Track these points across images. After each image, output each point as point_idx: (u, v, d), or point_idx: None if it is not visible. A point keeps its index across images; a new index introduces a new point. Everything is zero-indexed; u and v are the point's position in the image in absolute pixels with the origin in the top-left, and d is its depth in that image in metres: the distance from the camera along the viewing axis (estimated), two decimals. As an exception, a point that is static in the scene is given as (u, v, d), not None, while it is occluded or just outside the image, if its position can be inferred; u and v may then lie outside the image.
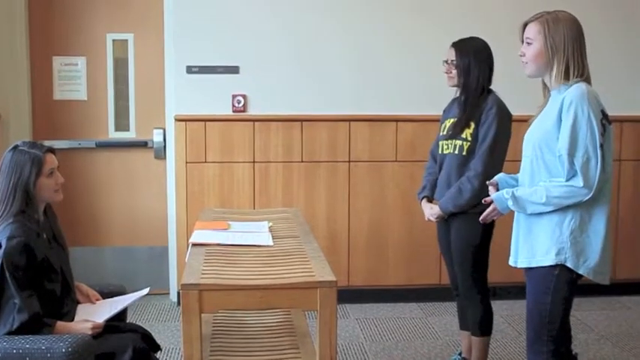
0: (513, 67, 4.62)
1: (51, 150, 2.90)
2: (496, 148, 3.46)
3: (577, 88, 2.62)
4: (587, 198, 2.60)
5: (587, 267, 2.66)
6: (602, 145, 2.58)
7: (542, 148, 2.68)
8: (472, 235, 3.54)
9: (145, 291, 3.13)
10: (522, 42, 2.77)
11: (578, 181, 2.58)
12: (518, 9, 4.93)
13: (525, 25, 2.77)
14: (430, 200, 3.72)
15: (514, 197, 2.71)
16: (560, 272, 2.66)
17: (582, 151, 2.57)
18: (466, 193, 3.47)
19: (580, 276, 2.68)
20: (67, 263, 3.01)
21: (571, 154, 2.58)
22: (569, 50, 2.66)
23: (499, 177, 2.94)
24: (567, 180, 2.61)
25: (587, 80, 2.70)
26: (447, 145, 3.61)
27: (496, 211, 2.84)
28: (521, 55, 2.77)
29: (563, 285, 2.67)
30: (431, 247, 5.00)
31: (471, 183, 3.46)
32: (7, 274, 2.65)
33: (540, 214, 2.68)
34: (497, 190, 2.86)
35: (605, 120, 2.63)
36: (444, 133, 3.65)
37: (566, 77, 2.66)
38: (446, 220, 3.62)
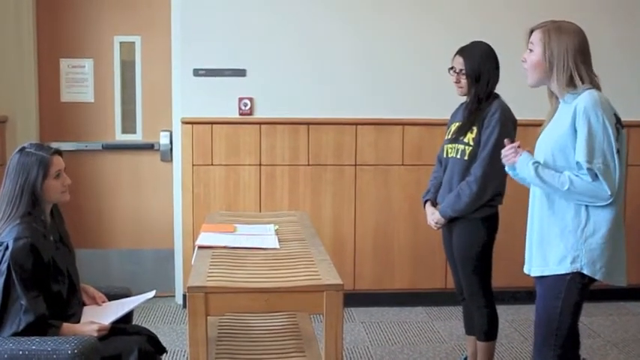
0: (520, 71, 4.64)
1: (58, 152, 2.90)
2: (497, 153, 3.43)
3: (589, 95, 2.61)
4: (607, 202, 2.59)
5: (603, 272, 2.65)
6: (618, 151, 2.58)
7: (556, 155, 2.66)
8: (474, 240, 3.53)
9: (152, 294, 3.13)
10: (527, 48, 2.77)
11: (604, 186, 2.57)
12: (526, 13, 4.97)
13: (532, 31, 2.76)
14: (434, 204, 3.72)
15: (537, 173, 2.66)
16: (572, 278, 2.65)
17: (601, 159, 2.56)
18: (464, 197, 3.46)
19: (592, 281, 2.67)
20: (74, 265, 3.02)
21: (589, 162, 2.57)
22: (569, 62, 2.64)
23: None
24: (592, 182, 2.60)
25: (595, 85, 2.69)
26: (451, 149, 3.60)
27: (513, 159, 2.77)
28: (522, 61, 2.77)
29: (575, 290, 2.66)
30: (437, 251, 5.00)
31: (469, 188, 3.45)
32: (14, 275, 2.65)
33: (553, 222, 2.67)
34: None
35: (618, 124, 2.63)
36: (449, 137, 3.65)
37: (572, 85, 2.65)
38: (449, 225, 3.61)
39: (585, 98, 2.60)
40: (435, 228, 3.67)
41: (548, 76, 2.69)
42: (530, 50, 2.72)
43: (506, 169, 2.85)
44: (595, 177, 2.58)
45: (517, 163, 2.75)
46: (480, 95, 3.51)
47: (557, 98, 2.75)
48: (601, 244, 2.64)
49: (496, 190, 3.50)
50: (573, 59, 2.64)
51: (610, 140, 2.57)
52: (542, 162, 2.71)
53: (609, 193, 2.57)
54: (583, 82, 2.65)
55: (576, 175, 2.61)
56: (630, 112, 4.84)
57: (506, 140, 2.88)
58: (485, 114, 3.47)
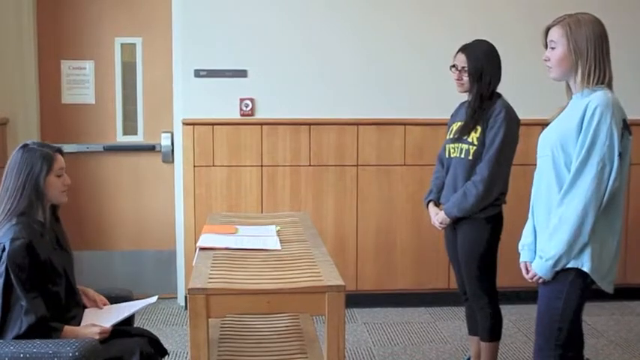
0: (522, 71, 4.64)
1: (60, 151, 2.90)
2: (503, 153, 3.43)
3: (602, 96, 2.58)
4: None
5: (599, 273, 2.63)
6: (620, 154, 2.56)
7: (559, 150, 2.65)
8: (479, 240, 3.52)
9: (154, 299, 3.12)
10: (546, 47, 2.74)
11: (586, 183, 2.56)
12: (527, 12, 4.96)
13: (548, 29, 2.74)
14: (437, 204, 3.70)
15: (549, 260, 2.64)
16: (574, 278, 2.64)
17: (598, 159, 2.55)
18: (471, 197, 3.44)
19: (593, 282, 2.66)
20: (71, 267, 2.99)
21: (585, 160, 2.55)
22: (591, 53, 2.63)
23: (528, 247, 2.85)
24: (565, 192, 2.59)
25: (610, 84, 2.67)
26: (454, 148, 3.59)
27: (539, 277, 2.73)
28: (545, 60, 2.74)
29: (576, 291, 2.65)
30: (439, 251, 4.98)
31: (476, 187, 3.43)
32: (13, 277, 2.64)
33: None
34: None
35: (624, 130, 2.60)
36: (451, 136, 3.63)
37: (589, 81, 2.63)
38: (453, 225, 3.60)
39: (598, 99, 2.58)
40: (440, 228, 3.66)
41: (573, 69, 2.66)
42: (552, 48, 2.70)
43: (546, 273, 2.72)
44: (574, 179, 2.57)
45: (540, 271, 2.70)
46: (482, 94, 3.49)
47: (572, 93, 2.73)
48: (599, 247, 2.62)
49: (501, 190, 3.50)
50: (594, 50, 2.63)
51: (612, 143, 2.55)
52: (545, 154, 2.70)
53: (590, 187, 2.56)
54: (600, 76, 2.63)
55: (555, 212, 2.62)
56: (633, 111, 4.84)
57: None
58: (489, 113, 3.46)
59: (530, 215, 2.84)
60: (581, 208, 2.56)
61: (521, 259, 2.83)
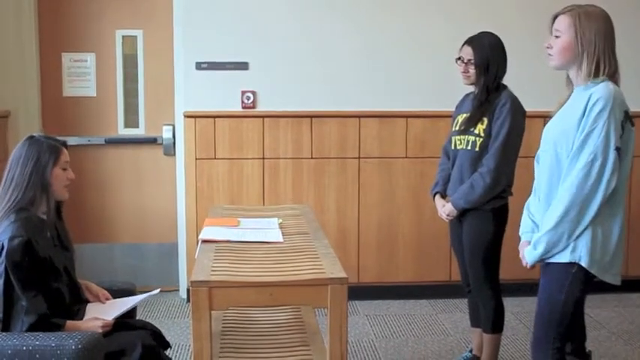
0: (525, 63, 4.62)
1: (65, 144, 2.90)
2: (509, 144, 3.43)
3: (604, 87, 2.57)
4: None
5: (599, 267, 2.63)
6: (618, 148, 2.55)
7: (562, 145, 2.64)
8: (484, 232, 3.53)
9: (156, 291, 3.12)
10: (552, 34, 2.72)
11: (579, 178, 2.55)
12: (529, 4, 4.93)
13: (555, 17, 2.71)
14: (443, 196, 3.70)
15: (540, 239, 2.65)
16: (577, 271, 2.63)
17: (590, 149, 2.53)
18: (478, 189, 3.45)
19: (595, 275, 2.65)
20: (72, 265, 2.98)
21: (578, 151, 2.55)
22: (599, 46, 2.60)
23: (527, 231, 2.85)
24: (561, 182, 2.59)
25: (616, 78, 2.65)
26: (460, 140, 3.59)
27: (526, 259, 2.74)
28: (547, 47, 2.72)
29: (579, 284, 2.64)
30: (441, 243, 4.99)
31: (483, 179, 3.44)
32: (12, 276, 2.63)
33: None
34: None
35: (626, 121, 2.59)
36: (457, 128, 3.63)
37: (596, 74, 2.61)
38: (459, 216, 3.60)
39: (601, 91, 2.56)
40: (447, 220, 3.66)
41: (576, 60, 2.64)
42: (557, 36, 2.67)
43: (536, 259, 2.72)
44: (569, 170, 2.58)
45: (527, 257, 2.71)
46: (488, 86, 3.49)
47: (572, 85, 2.71)
48: (600, 239, 2.62)
49: (507, 182, 3.50)
50: (603, 44, 2.61)
51: (609, 136, 2.53)
52: (548, 149, 2.69)
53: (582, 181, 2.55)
54: (608, 71, 2.61)
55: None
56: (636, 103, 4.82)
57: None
58: (495, 105, 3.46)
59: (535, 197, 2.83)
60: (567, 197, 2.56)
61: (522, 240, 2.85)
